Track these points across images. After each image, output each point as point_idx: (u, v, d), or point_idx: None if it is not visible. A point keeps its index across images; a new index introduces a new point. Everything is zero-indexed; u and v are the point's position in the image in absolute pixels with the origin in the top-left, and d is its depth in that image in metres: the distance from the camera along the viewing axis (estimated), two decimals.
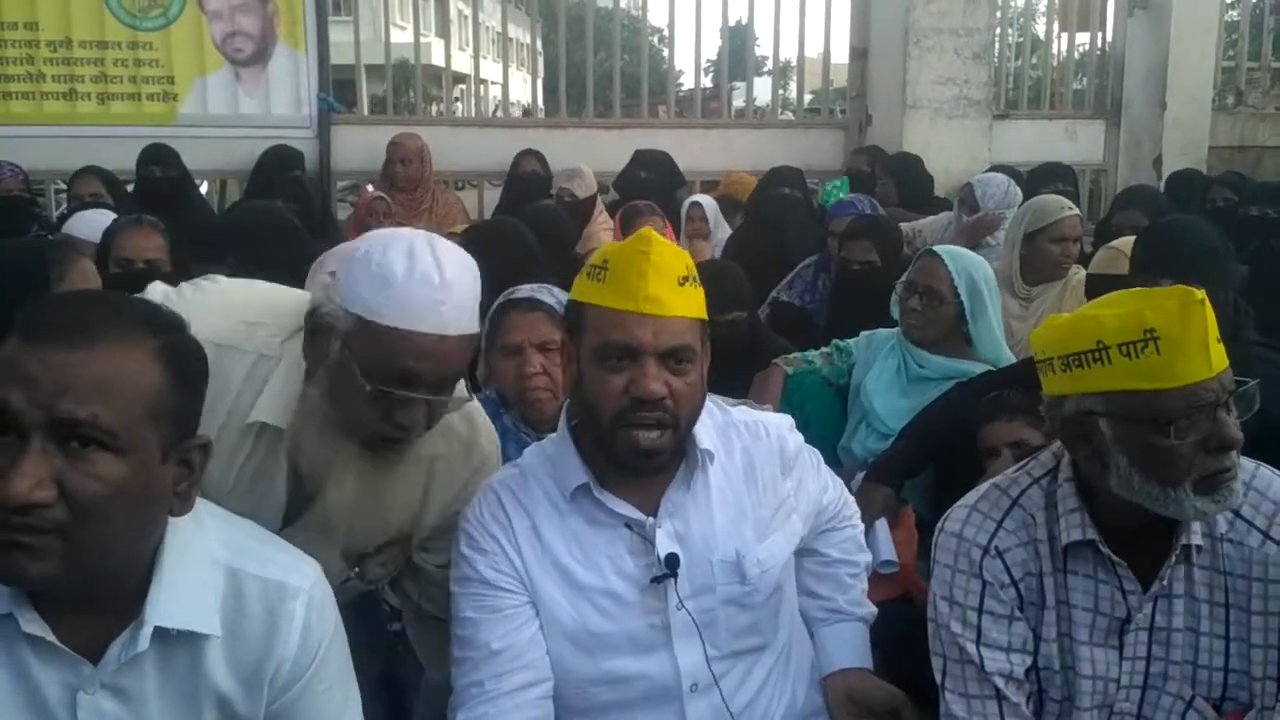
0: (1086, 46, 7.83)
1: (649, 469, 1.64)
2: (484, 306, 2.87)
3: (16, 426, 1.11)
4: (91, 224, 4.11)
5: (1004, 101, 7.37)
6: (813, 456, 1.89)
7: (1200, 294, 1.48)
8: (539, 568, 1.67)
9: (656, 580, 1.65)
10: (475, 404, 1.93)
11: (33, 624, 1.22)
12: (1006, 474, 1.77)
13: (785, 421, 1.86)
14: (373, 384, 1.55)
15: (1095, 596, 1.64)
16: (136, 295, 1.29)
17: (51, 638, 1.23)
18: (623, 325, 1.57)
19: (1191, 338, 1.46)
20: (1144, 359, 1.47)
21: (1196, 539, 1.59)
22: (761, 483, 1.75)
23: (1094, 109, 7.44)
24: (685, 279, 1.60)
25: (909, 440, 2.65)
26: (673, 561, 1.64)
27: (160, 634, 1.26)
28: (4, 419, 1.11)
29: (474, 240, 3.32)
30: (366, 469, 1.67)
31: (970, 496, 1.76)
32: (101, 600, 1.24)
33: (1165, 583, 1.61)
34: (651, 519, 1.67)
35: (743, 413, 1.81)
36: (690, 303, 1.61)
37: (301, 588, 1.36)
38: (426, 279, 1.55)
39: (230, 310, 1.73)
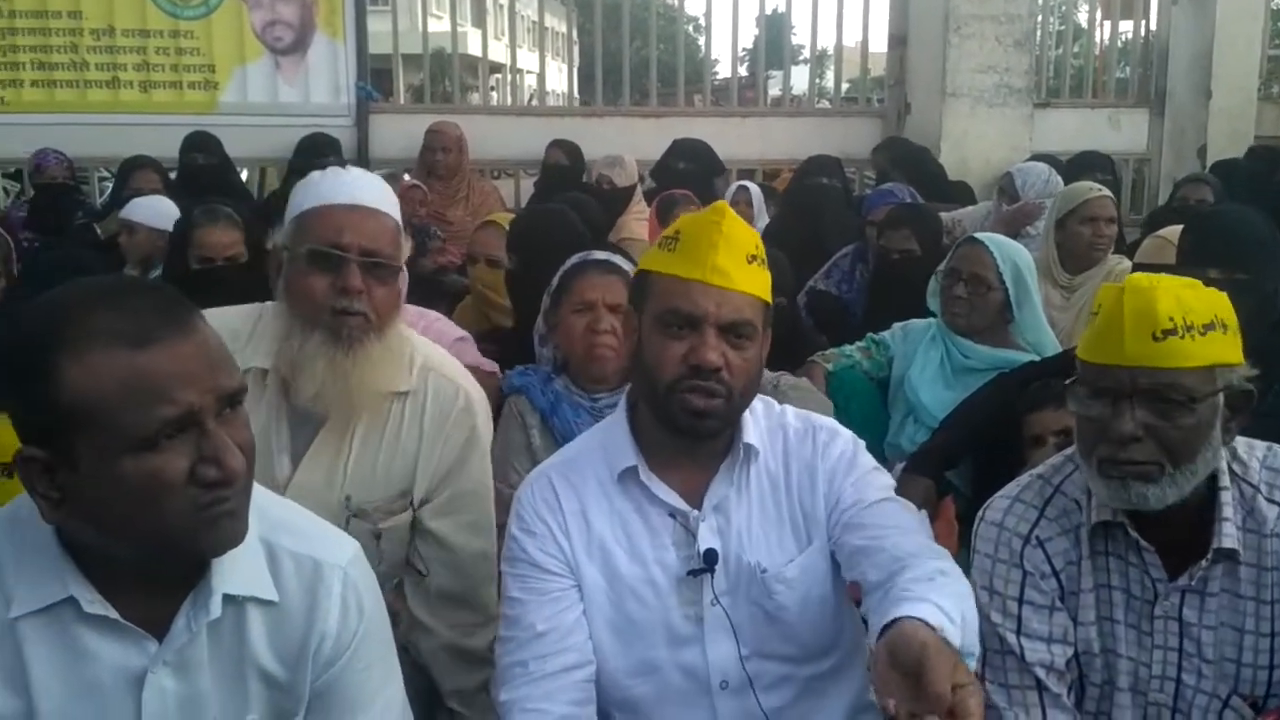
0: (1130, 34, 7.73)
1: (702, 433, 1.64)
2: (531, 294, 2.92)
3: (195, 420, 1.17)
4: (150, 210, 4.16)
5: (1045, 90, 7.28)
6: (862, 462, 1.74)
7: (1147, 283, 1.53)
8: (584, 552, 1.68)
9: (694, 573, 1.65)
10: (475, 385, 2.10)
11: (95, 604, 1.24)
12: (1050, 462, 1.76)
13: (846, 433, 1.76)
14: (307, 252, 1.85)
15: (1126, 578, 1.64)
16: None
17: (115, 615, 1.25)
18: (687, 293, 1.58)
19: (1113, 321, 1.53)
20: (1090, 329, 1.61)
21: (1230, 541, 1.57)
22: (798, 489, 1.71)
23: (1137, 97, 7.33)
24: (754, 257, 1.61)
25: (949, 430, 2.63)
26: (711, 556, 1.64)
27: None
28: (186, 419, 1.16)
29: (522, 229, 3.35)
30: (335, 355, 1.85)
31: (1011, 487, 1.76)
32: (164, 574, 1.26)
33: (1194, 580, 1.60)
34: (696, 511, 1.67)
35: (796, 416, 1.77)
36: (756, 280, 1.61)
37: (337, 564, 1.37)
38: (335, 173, 1.96)
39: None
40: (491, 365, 2.86)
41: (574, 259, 2.54)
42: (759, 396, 1.73)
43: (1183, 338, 1.50)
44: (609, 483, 1.69)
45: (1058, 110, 7.02)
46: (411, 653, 2.06)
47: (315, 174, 1.97)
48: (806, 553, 1.68)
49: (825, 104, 7.82)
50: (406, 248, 1.98)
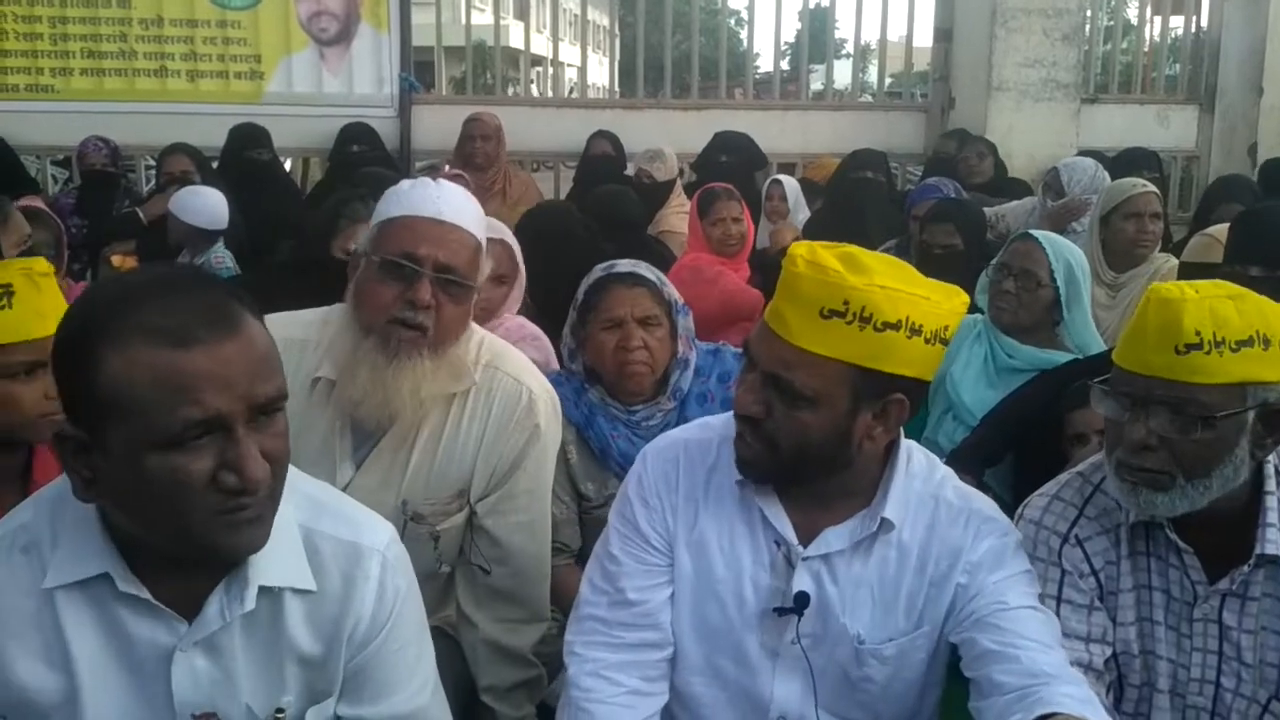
0: (1180, 30, 7.61)
1: (747, 478, 1.59)
2: (542, 291, 2.94)
3: (223, 424, 1.17)
4: (184, 203, 4.21)
5: (1093, 85, 7.18)
6: (1012, 561, 1.60)
7: (1169, 294, 1.48)
8: (684, 539, 1.63)
9: (780, 611, 1.58)
10: (541, 383, 2.06)
11: (129, 583, 1.26)
12: (1090, 460, 1.74)
13: (1003, 524, 1.64)
14: (381, 259, 1.84)
15: (1166, 579, 1.62)
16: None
17: (147, 595, 1.26)
18: (757, 331, 1.53)
19: (1139, 329, 1.51)
20: (1124, 332, 1.58)
21: (1274, 548, 1.54)
22: (932, 570, 1.58)
23: (1187, 94, 7.22)
24: (838, 314, 1.42)
25: (991, 427, 2.59)
26: (802, 600, 1.56)
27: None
28: (213, 423, 1.16)
29: (522, 226, 3.35)
30: (378, 363, 1.84)
31: (1051, 485, 1.74)
32: (200, 559, 1.27)
33: (1235, 584, 1.58)
34: (802, 549, 1.58)
35: (956, 492, 1.62)
36: (831, 341, 1.43)
37: (375, 547, 1.38)
38: (424, 184, 1.94)
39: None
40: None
41: (597, 272, 2.44)
42: (926, 453, 1.65)
43: (1208, 353, 1.45)
44: (729, 483, 1.61)
45: (1105, 106, 6.92)
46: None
47: (405, 183, 1.95)
48: (912, 635, 1.59)
49: (868, 98, 7.75)
50: (486, 268, 1.95)
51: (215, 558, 1.26)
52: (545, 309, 3.02)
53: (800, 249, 1.48)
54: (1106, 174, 4.44)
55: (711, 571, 1.62)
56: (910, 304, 1.43)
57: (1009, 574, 1.57)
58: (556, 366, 2.72)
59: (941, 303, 1.48)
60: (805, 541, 1.58)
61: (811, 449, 1.51)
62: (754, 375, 1.51)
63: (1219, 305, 1.47)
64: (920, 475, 1.61)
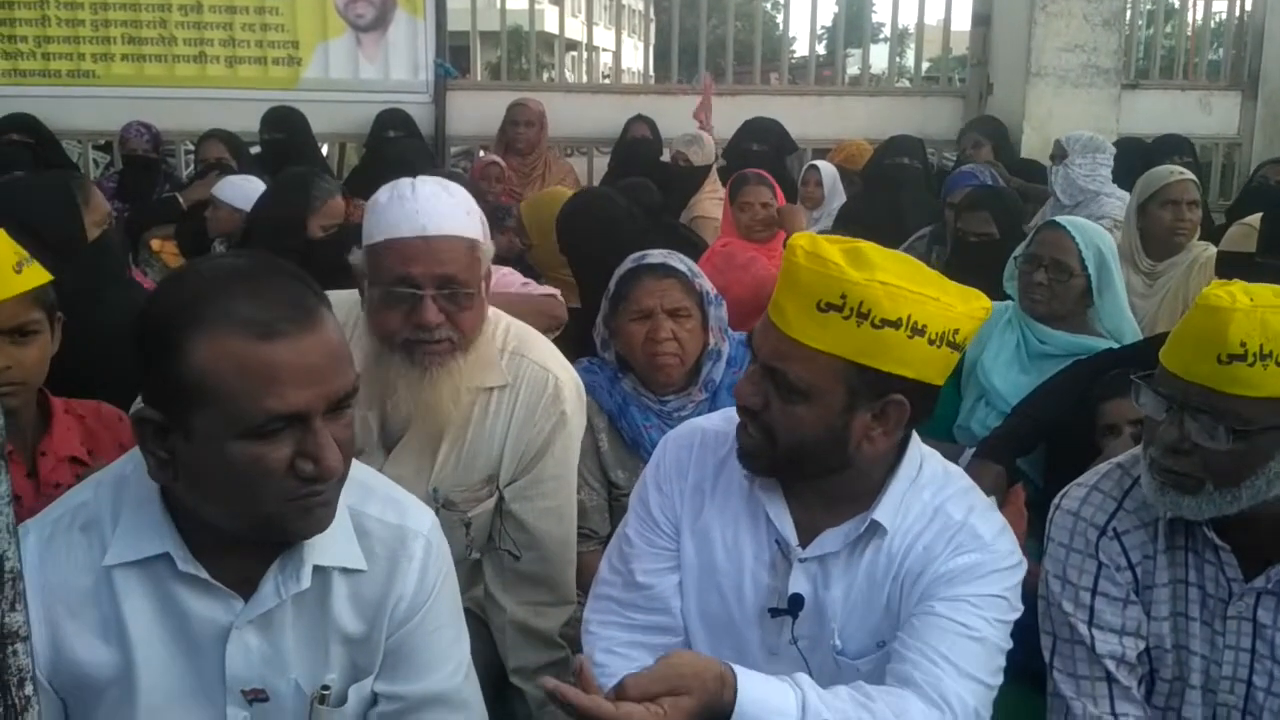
0: (1224, 15, 7.48)
1: (747, 469, 1.57)
2: (587, 273, 2.96)
3: (303, 417, 1.21)
4: (234, 189, 4.25)
5: (1134, 71, 7.07)
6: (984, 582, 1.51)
7: (1217, 301, 1.43)
8: (689, 527, 1.64)
9: (774, 612, 1.57)
10: (567, 370, 2.08)
11: (189, 563, 1.30)
12: (1131, 452, 1.72)
13: (997, 552, 1.53)
14: (382, 288, 1.82)
15: (1202, 575, 1.61)
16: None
17: (206, 575, 1.30)
18: (760, 323, 1.51)
19: (1185, 333, 1.50)
20: (1175, 330, 1.55)
21: None
22: (905, 576, 1.53)
23: (1230, 80, 7.10)
24: (835, 308, 1.39)
25: (1023, 417, 2.58)
26: (796, 602, 1.56)
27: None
28: (294, 417, 1.20)
29: (566, 212, 3.41)
30: (412, 377, 1.86)
31: (1090, 476, 1.73)
32: (265, 539, 1.31)
33: (1271, 582, 1.56)
34: (800, 549, 1.57)
35: (960, 508, 1.54)
36: (827, 335, 1.40)
37: (420, 531, 1.42)
38: (399, 196, 1.85)
39: None
40: (548, 289, 3.02)
41: (628, 263, 2.44)
42: (946, 465, 1.61)
43: (1252, 365, 1.41)
44: (738, 476, 1.60)
45: (1147, 92, 6.82)
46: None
47: (383, 196, 1.87)
48: (885, 651, 1.55)
49: (905, 83, 7.69)
50: (490, 248, 1.92)
51: (283, 538, 1.30)
52: (590, 297, 3.05)
53: (802, 239, 1.43)
54: (1104, 138, 4.58)
55: (713, 563, 1.62)
56: (914, 303, 1.39)
57: (966, 592, 1.48)
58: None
59: (954, 305, 1.42)
60: (806, 543, 1.57)
61: (807, 445, 1.47)
62: (755, 366, 1.50)
63: (1271, 316, 1.41)
64: (930, 485, 1.56)
